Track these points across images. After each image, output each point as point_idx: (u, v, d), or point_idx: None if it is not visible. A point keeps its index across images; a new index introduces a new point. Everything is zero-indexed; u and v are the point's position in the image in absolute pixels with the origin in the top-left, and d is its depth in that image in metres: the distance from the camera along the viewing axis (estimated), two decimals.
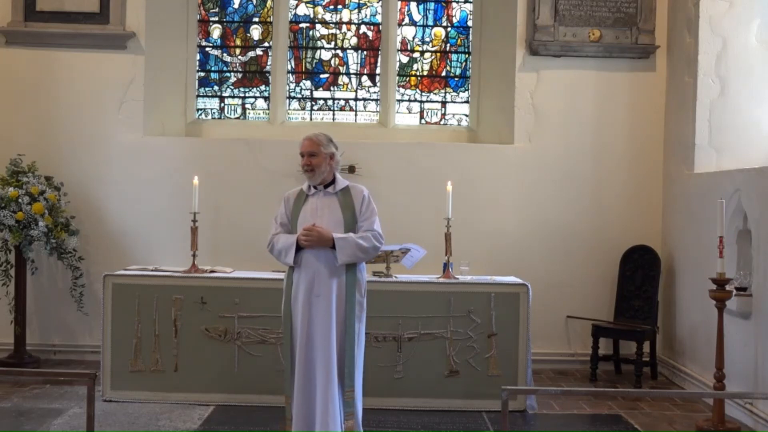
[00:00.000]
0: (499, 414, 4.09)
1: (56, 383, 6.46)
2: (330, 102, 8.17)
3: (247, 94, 8.16)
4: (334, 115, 8.16)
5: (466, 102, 8.12)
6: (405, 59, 8.17)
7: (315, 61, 8.17)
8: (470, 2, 8.10)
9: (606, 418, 5.99)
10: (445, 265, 6.36)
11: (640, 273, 7.31)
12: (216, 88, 8.14)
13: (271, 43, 8.11)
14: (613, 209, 7.61)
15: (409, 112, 8.17)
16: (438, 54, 8.16)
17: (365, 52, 8.17)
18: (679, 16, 7.30)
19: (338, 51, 8.16)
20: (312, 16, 8.16)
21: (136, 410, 5.90)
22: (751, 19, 6.86)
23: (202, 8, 8.11)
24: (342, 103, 8.16)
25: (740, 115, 6.86)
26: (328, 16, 8.16)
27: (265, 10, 8.13)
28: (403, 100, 8.16)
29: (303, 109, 8.18)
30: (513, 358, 6.12)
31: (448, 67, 8.16)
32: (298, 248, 4.74)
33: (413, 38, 8.17)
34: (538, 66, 7.61)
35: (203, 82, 8.14)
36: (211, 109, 8.15)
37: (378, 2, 8.13)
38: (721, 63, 6.88)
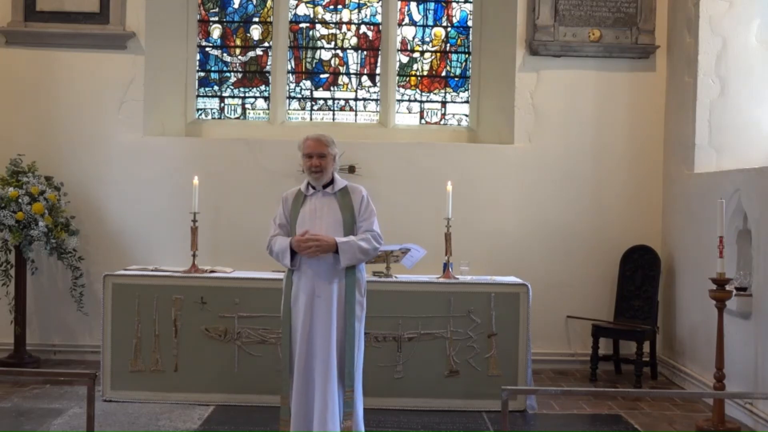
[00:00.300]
0: (499, 414, 4.09)
1: (56, 383, 6.46)
2: (330, 102, 8.17)
3: (247, 94, 8.16)
4: (334, 115, 8.16)
5: (466, 102, 8.12)
6: (405, 59, 8.17)
7: (315, 61, 8.17)
8: (470, 2, 8.10)
9: (606, 418, 5.99)
10: (445, 265, 6.36)
11: (640, 273, 7.31)
12: (216, 88, 8.14)
13: (271, 43, 8.11)
14: (613, 209, 7.61)
15: (409, 112, 8.17)
16: (438, 54, 8.16)
17: (365, 52, 8.17)
18: (679, 16, 7.30)
19: (338, 51, 8.16)
20: (312, 16, 8.16)
21: (136, 410, 5.90)
22: (751, 19, 6.86)
23: (202, 8, 8.11)
24: (342, 103, 8.16)
25: (740, 115, 6.86)
26: (328, 16, 8.16)
27: (265, 10, 8.13)
28: (403, 100, 8.16)
29: (303, 109, 8.18)
30: (513, 358, 6.12)
31: (448, 67, 8.16)
32: (295, 251, 4.74)
33: (413, 38, 8.17)
34: (538, 66, 7.61)
35: (203, 82, 8.14)
36: (211, 109, 8.15)
37: (378, 2, 8.13)
38: (721, 63, 6.88)
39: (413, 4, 8.15)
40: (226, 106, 8.15)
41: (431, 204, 7.24)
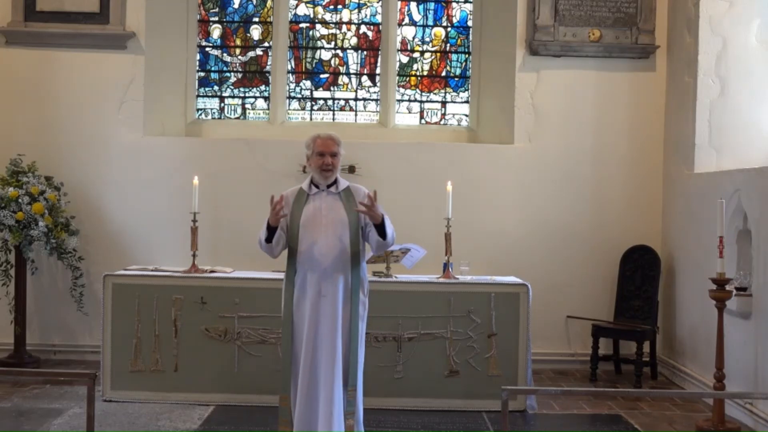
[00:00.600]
0: (499, 414, 4.09)
1: (56, 383, 6.46)
2: (330, 102, 8.17)
3: (247, 94, 8.16)
4: (334, 115, 8.16)
5: (466, 102, 8.12)
6: (405, 59, 8.17)
7: (315, 61, 8.17)
8: (470, 2, 8.10)
9: (606, 418, 5.99)
10: (445, 265, 6.36)
11: (640, 273, 7.31)
12: (216, 88, 8.14)
13: (271, 43, 8.11)
14: (613, 209, 7.61)
15: (409, 112, 8.17)
16: (438, 54, 8.16)
17: (365, 52, 8.17)
18: (679, 16, 7.30)
19: (338, 51, 8.16)
20: (312, 16, 8.16)
21: (136, 410, 5.90)
22: (751, 19, 6.85)
23: (202, 8, 8.11)
24: (342, 103, 8.16)
25: (740, 115, 6.86)
26: (328, 16, 8.16)
27: (265, 10, 8.13)
28: (403, 100, 8.16)
29: (303, 109, 8.18)
30: (513, 358, 6.12)
31: (448, 67, 8.16)
32: (272, 230, 4.71)
33: (413, 38, 8.17)
34: (538, 66, 7.61)
35: (203, 82, 8.14)
36: (211, 109, 8.15)
37: (378, 2, 8.13)
38: (721, 63, 6.88)
39: (413, 4, 8.15)
40: (226, 106, 8.15)
41: (431, 204, 7.24)
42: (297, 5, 8.15)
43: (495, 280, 6.42)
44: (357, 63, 8.17)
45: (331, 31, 8.16)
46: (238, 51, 8.16)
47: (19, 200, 6.89)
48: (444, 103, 8.14)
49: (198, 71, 8.11)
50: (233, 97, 8.15)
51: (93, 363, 6.80)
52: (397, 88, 8.13)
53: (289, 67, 8.14)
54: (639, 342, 6.94)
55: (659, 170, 7.64)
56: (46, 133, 7.54)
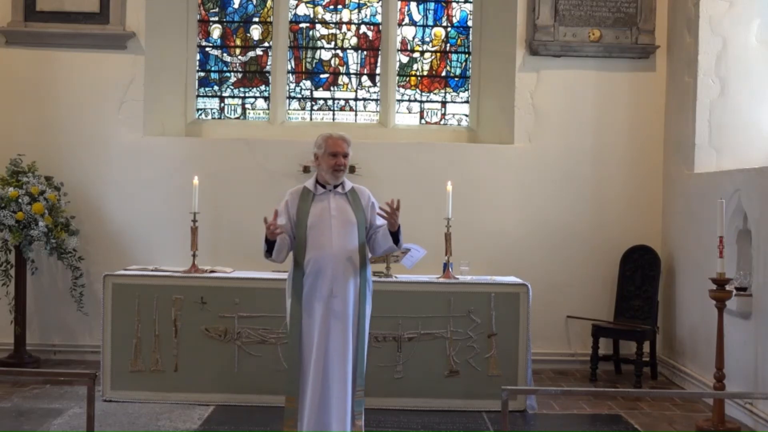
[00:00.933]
0: (499, 414, 4.09)
1: (56, 383, 6.46)
2: (330, 102, 8.17)
3: (247, 94, 8.16)
4: (334, 115, 8.16)
5: (466, 102, 8.12)
6: (405, 59, 8.17)
7: (315, 61, 8.17)
8: (470, 2, 8.10)
9: (606, 418, 5.99)
10: (445, 265, 6.36)
11: (640, 273, 7.31)
12: (216, 88, 8.14)
13: (271, 43, 8.11)
14: (613, 209, 7.61)
15: (409, 112, 8.17)
16: (438, 54, 8.16)
17: (365, 52, 8.17)
18: (679, 16, 7.30)
19: (338, 51, 8.16)
20: (312, 16, 8.16)
21: (136, 410, 5.90)
22: (751, 19, 6.86)
23: (202, 8, 8.11)
24: (342, 103, 8.16)
25: (740, 115, 6.86)
26: (328, 16, 8.16)
27: (265, 10, 8.13)
28: (403, 100, 8.16)
29: (303, 109, 8.18)
30: (513, 358, 6.12)
31: (448, 67, 8.16)
32: (271, 244, 4.69)
33: (413, 38, 8.17)
34: (538, 66, 7.61)
35: (203, 82, 8.14)
36: (211, 109, 8.15)
37: (378, 2, 8.13)
38: (721, 63, 6.88)
39: (413, 4, 8.15)
40: (226, 106, 8.15)
41: (431, 204, 7.23)
42: (297, 5, 8.15)
43: (495, 280, 6.42)
44: (357, 63, 8.17)
45: (331, 31, 8.16)
46: (238, 51, 8.16)
47: (19, 200, 6.89)
48: (444, 103, 8.14)
49: (198, 71, 8.12)
50: (233, 97, 8.15)
51: (93, 363, 6.80)
52: (397, 88, 8.13)
53: (289, 67, 8.14)
54: (639, 342, 6.94)
55: (659, 170, 7.64)
56: (46, 133, 7.54)
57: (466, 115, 8.12)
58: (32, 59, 7.55)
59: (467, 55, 8.12)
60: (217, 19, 8.14)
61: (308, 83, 8.17)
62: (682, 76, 7.22)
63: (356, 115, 8.16)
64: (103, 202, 7.57)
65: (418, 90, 8.16)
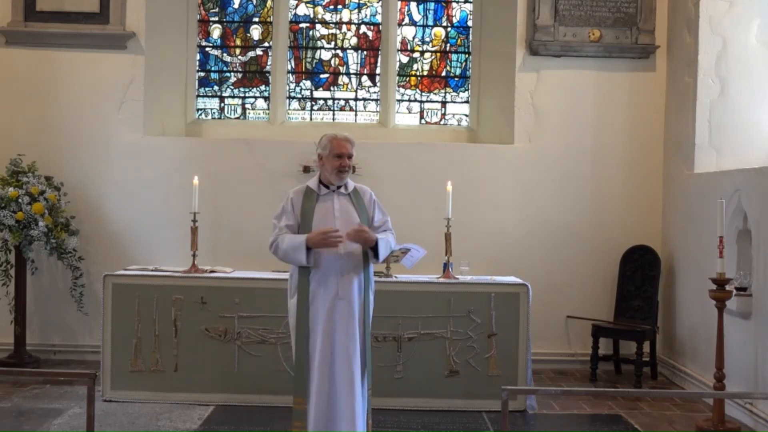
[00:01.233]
0: (499, 414, 4.09)
1: (56, 383, 6.46)
2: (330, 102, 8.17)
3: (247, 94, 8.16)
4: (334, 115, 8.16)
5: (466, 102, 8.12)
6: (405, 59, 8.17)
7: (315, 61, 8.17)
8: (470, 2, 8.10)
9: (606, 418, 5.99)
10: (445, 265, 6.37)
11: (640, 273, 7.31)
12: (216, 88, 8.14)
13: (271, 43, 8.11)
14: (613, 209, 7.61)
15: (409, 112, 8.17)
16: (438, 54, 8.16)
17: (365, 52, 8.17)
18: (679, 16, 7.30)
19: (338, 51, 8.16)
20: (312, 16, 8.16)
21: (136, 410, 5.90)
22: (751, 19, 6.86)
23: (202, 8, 8.11)
24: (342, 103, 8.16)
25: (740, 115, 6.86)
26: (328, 16, 8.16)
27: (265, 10, 8.13)
28: (403, 100, 8.16)
29: (303, 109, 8.18)
30: (513, 358, 6.12)
31: (448, 67, 8.16)
32: (308, 248, 4.65)
33: (413, 38, 8.17)
34: (538, 66, 7.61)
35: (203, 82, 8.14)
36: (211, 109, 8.15)
37: (378, 2, 8.13)
38: (721, 63, 6.88)
39: (413, 4, 8.15)
40: (226, 106, 8.15)
41: (431, 204, 7.24)
42: (297, 5, 8.15)
43: (495, 280, 6.42)
44: (357, 63, 8.17)
45: (331, 31, 8.17)
46: (238, 51, 8.16)
47: (19, 200, 6.89)
48: (444, 103, 8.14)
49: (198, 71, 8.11)
50: (233, 97, 8.15)
51: (93, 363, 6.80)
52: (397, 88, 8.13)
53: (289, 67, 8.14)
54: (639, 342, 6.94)
55: (659, 170, 7.64)
56: (46, 133, 7.54)
57: (466, 115, 8.12)
58: (32, 59, 7.55)
59: (467, 55, 8.12)
60: (217, 19, 8.14)
61: (308, 83, 8.17)
62: (682, 76, 7.22)
63: (356, 115, 8.16)
64: (103, 202, 7.57)
65: (418, 90, 8.17)
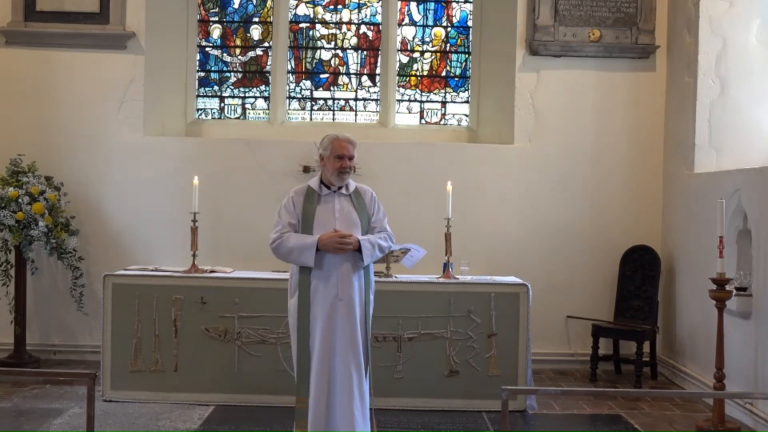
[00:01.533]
0: (499, 414, 4.09)
1: (56, 383, 6.46)
2: (330, 102, 8.17)
3: (247, 94, 8.16)
4: (334, 115, 8.16)
5: (466, 102, 8.12)
6: (405, 59, 8.17)
7: (315, 61, 8.17)
8: (470, 2, 8.10)
9: (606, 418, 5.99)
10: (445, 265, 6.36)
11: (640, 273, 7.31)
12: (216, 88, 8.14)
13: (271, 43, 8.11)
14: (613, 209, 7.61)
15: (409, 112, 8.17)
16: (438, 54, 8.16)
17: (365, 52, 8.17)
18: (679, 16, 7.30)
19: (338, 51, 8.16)
20: (312, 16, 8.16)
21: (136, 410, 5.90)
22: (751, 19, 6.86)
23: (202, 8, 8.11)
24: (342, 103, 8.16)
25: (740, 115, 6.86)
26: (328, 16, 8.16)
27: (265, 10, 8.13)
28: (403, 100, 8.16)
29: (303, 109, 8.18)
30: (513, 358, 6.12)
31: (448, 67, 8.16)
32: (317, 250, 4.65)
33: (413, 38, 8.17)
34: (538, 66, 7.61)
35: (203, 82, 8.14)
36: (211, 109, 8.15)
37: (378, 2, 8.13)
38: (721, 63, 6.88)
39: (413, 4, 8.15)
40: (226, 106, 8.15)
41: (431, 204, 7.24)
42: (297, 5, 8.15)
43: (495, 280, 6.42)
44: (357, 63, 8.17)
45: (331, 31, 8.16)
46: (238, 51, 8.15)
47: (19, 200, 6.89)
48: (444, 103, 8.14)
49: (198, 71, 8.11)
50: (233, 97, 8.15)
51: (93, 363, 6.80)
52: (397, 88, 8.13)
53: (289, 67, 8.14)
54: (639, 342, 6.94)
55: (659, 170, 7.64)
56: (46, 133, 7.54)
57: (466, 115, 8.12)
58: (32, 59, 7.55)
59: (467, 55, 8.12)
60: (217, 19, 8.14)
61: (308, 83, 8.17)
62: (682, 76, 7.22)
63: (356, 115, 8.16)
64: (103, 202, 7.57)
65: (418, 90, 8.16)
